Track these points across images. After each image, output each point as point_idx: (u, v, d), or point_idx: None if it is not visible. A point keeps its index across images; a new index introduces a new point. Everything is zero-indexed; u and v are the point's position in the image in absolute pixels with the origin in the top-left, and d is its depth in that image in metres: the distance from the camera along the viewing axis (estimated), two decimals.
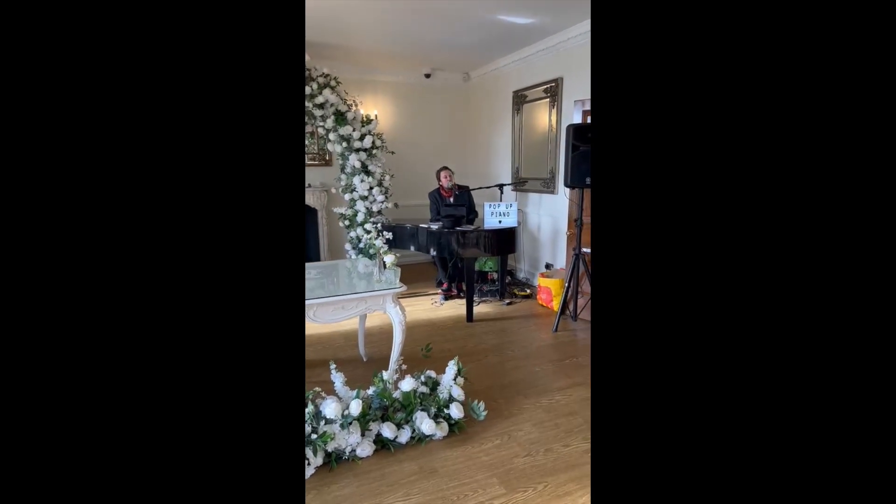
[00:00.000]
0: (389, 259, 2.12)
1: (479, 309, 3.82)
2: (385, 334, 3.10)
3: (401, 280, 2.20)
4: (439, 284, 4.39)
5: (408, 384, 2.01)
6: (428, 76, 5.23)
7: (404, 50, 4.45)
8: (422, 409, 2.00)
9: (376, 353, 2.94)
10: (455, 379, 2.17)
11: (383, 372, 2.10)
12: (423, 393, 2.10)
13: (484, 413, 2.11)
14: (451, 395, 2.10)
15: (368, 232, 4.26)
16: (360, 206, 4.27)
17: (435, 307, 3.91)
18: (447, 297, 4.12)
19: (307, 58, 3.83)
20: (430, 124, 5.43)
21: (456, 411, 2.03)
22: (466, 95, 5.56)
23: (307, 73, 3.86)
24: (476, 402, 2.14)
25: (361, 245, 4.35)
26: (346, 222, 4.38)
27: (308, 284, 2.28)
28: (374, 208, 4.32)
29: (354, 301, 2.06)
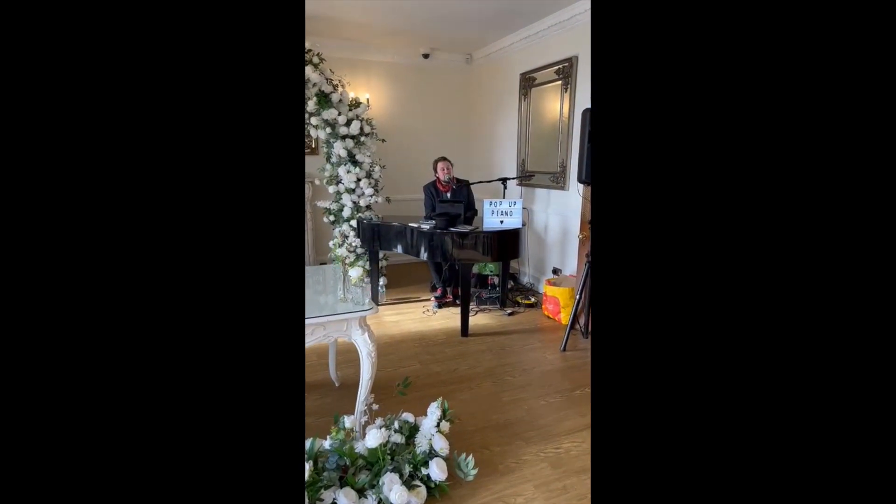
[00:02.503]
0: (355, 273, 1.66)
1: (477, 320, 3.36)
2: None
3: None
4: (433, 289, 3.93)
5: (375, 437, 1.56)
6: (426, 57, 4.72)
7: (400, 26, 3.95)
8: (392, 470, 1.55)
9: (352, 375, 2.49)
10: (438, 424, 1.72)
11: (345, 418, 1.64)
12: (396, 444, 1.64)
13: (473, 472, 1.65)
14: (431, 448, 1.65)
15: (355, 229, 3.82)
16: (347, 199, 3.81)
17: (426, 316, 3.45)
18: (441, 304, 3.66)
19: None
20: (427, 110, 4.94)
21: (437, 471, 1.58)
22: (468, 78, 5.05)
23: None
24: (463, 456, 1.68)
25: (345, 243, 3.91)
26: (332, 217, 3.92)
27: None
28: (362, 203, 3.86)
29: (309, 327, 1.60)
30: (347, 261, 1.69)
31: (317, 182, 4.07)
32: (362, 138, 3.79)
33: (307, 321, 1.59)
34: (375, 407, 1.77)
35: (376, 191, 3.87)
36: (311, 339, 1.63)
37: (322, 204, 3.93)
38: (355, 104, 3.76)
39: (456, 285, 3.76)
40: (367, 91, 4.56)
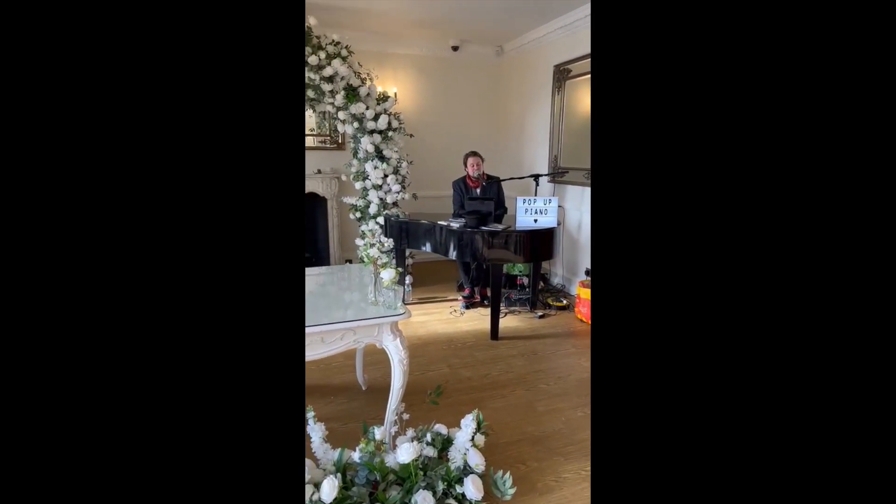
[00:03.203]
0: (388, 275, 1.56)
1: (506, 322, 3.23)
2: None
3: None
4: (460, 288, 3.82)
5: (407, 451, 1.46)
6: (455, 49, 4.59)
7: (429, 17, 3.83)
8: (425, 487, 1.45)
9: (379, 379, 2.40)
10: (473, 438, 1.61)
11: (374, 429, 1.55)
12: (428, 458, 1.54)
13: (511, 490, 1.54)
14: (466, 464, 1.54)
15: (382, 226, 3.73)
16: (373, 196, 3.73)
17: (454, 317, 3.35)
18: (469, 304, 3.55)
19: (314, 22, 3.28)
20: (455, 104, 4.81)
21: (473, 489, 1.47)
22: (499, 71, 4.90)
23: (316, 40, 3.31)
24: (500, 473, 1.57)
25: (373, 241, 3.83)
26: (358, 214, 3.86)
27: None
28: (389, 199, 3.78)
29: (339, 332, 1.51)
30: (379, 262, 1.59)
31: (343, 178, 4.01)
32: (390, 133, 3.70)
33: (337, 326, 1.50)
34: (406, 416, 1.67)
35: (403, 187, 3.78)
36: (341, 345, 1.54)
37: (348, 200, 3.87)
38: (383, 98, 3.67)
39: (484, 285, 3.64)
40: (394, 85, 4.47)
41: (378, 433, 1.54)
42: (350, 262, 4.57)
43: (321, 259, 4.60)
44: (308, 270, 2.63)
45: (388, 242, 1.64)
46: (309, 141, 4.42)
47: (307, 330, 1.47)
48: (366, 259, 1.61)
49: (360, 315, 1.56)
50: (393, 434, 1.65)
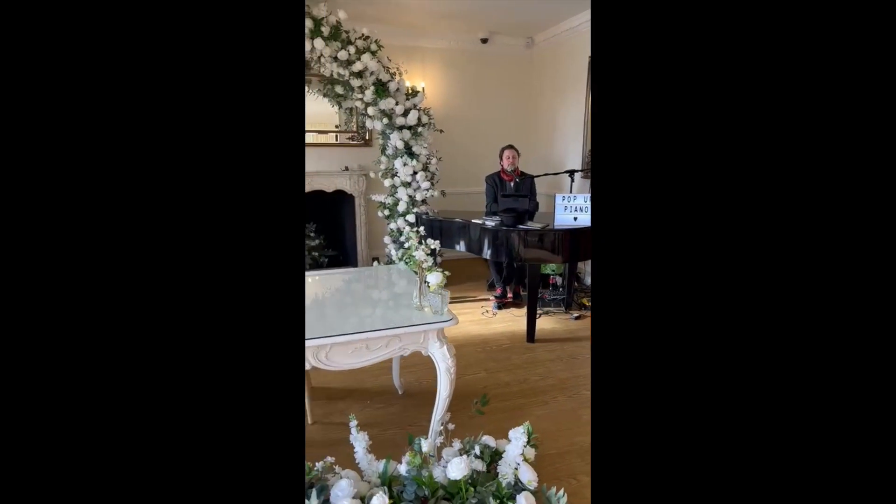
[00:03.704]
0: (435, 279, 1.48)
1: (542, 323, 3.12)
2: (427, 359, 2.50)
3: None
4: (491, 287, 3.73)
5: (458, 466, 1.38)
6: (485, 41, 4.47)
7: (458, 9, 3.73)
8: None
9: (415, 383, 2.34)
10: (523, 450, 1.52)
11: (421, 440, 1.48)
12: (476, 472, 1.46)
13: None
14: (517, 480, 1.45)
15: (411, 224, 3.67)
16: (402, 193, 3.66)
17: (487, 318, 3.26)
18: (501, 304, 3.45)
19: (343, 16, 3.21)
20: (484, 98, 4.69)
21: None
22: (529, 63, 4.76)
23: (345, 35, 3.25)
24: (553, 489, 1.48)
25: (402, 238, 3.77)
26: (386, 212, 3.80)
27: (322, 309, 1.69)
28: (418, 196, 3.70)
29: (384, 339, 1.44)
30: (425, 265, 1.51)
31: (371, 175, 3.95)
32: (419, 129, 3.62)
33: (382, 333, 1.43)
34: (451, 427, 1.59)
35: (432, 184, 3.70)
36: (386, 353, 1.47)
37: (377, 198, 3.81)
38: (412, 93, 3.59)
39: (516, 282, 3.54)
40: (422, 79, 4.38)
41: (425, 445, 1.46)
42: (377, 260, 4.52)
43: (348, 257, 4.57)
44: (338, 271, 2.57)
45: (435, 244, 1.56)
46: (336, 138, 4.38)
47: (352, 337, 1.40)
48: (408, 261, 1.53)
49: (405, 321, 1.48)
50: (438, 445, 1.57)
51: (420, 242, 1.54)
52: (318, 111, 4.23)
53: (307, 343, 1.37)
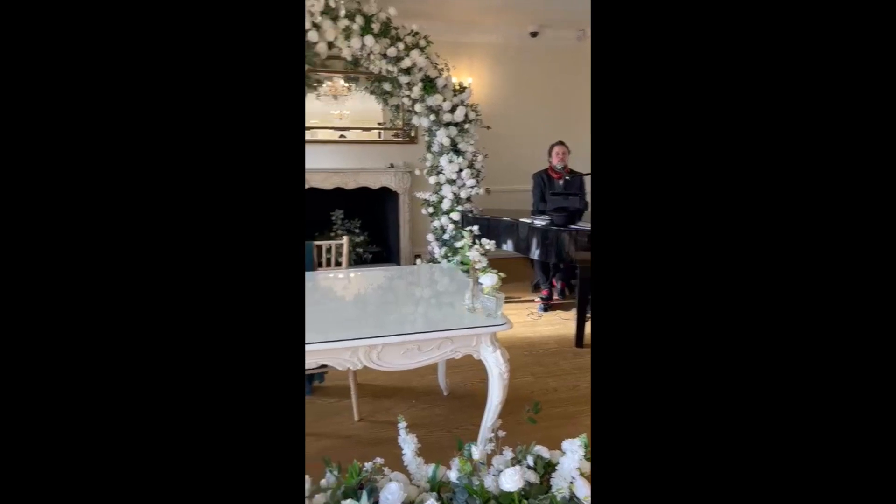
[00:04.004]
0: (489, 280, 1.42)
1: (589, 326, 3.00)
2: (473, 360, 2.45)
3: None
4: (536, 288, 3.63)
5: (512, 478, 1.32)
6: (534, 35, 4.35)
7: (506, 2, 3.64)
8: None
9: (460, 384, 2.30)
10: (580, 464, 1.44)
11: (472, 446, 1.43)
12: (529, 484, 1.40)
13: None
14: (573, 495, 1.37)
15: (455, 222, 3.62)
16: (447, 190, 3.63)
17: (532, 320, 3.17)
18: (547, 306, 3.35)
19: (393, 13, 3.20)
20: (533, 94, 4.57)
21: None
22: (580, 57, 4.58)
23: (394, 31, 3.24)
24: None
25: (446, 237, 3.73)
26: (430, 209, 3.77)
27: (369, 307, 1.67)
28: (463, 194, 3.65)
29: (436, 341, 1.40)
30: (478, 265, 1.45)
31: (417, 172, 3.94)
32: (466, 125, 3.56)
33: (434, 335, 1.39)
34: (502, 434, 1.54)
35: (477, 181, 3.64)
36: (437, 355, 1.43)
37: (421, 195, 3.80)
38: (460, 89, 3.54)
39: (563, 280, 3.43)
40: (469, 75, 4.32)
41: (475, 452, 1.41)
42: (419, 257, 4.51)
43: (391, 254, 4.59)
44: (382, 269, 2.56)
45: (490, 244, 1.51)
46: (380, 135, 4.40)
47: (404, 338, 1.37)
48: (462, 261, 1.48)
49: (457, 323, 1.44)
50: (489, 452, 1.52)
51: (473, 242, 1.49)
52: (363, 108, 4.27)
53: (359, 342, 1.35)
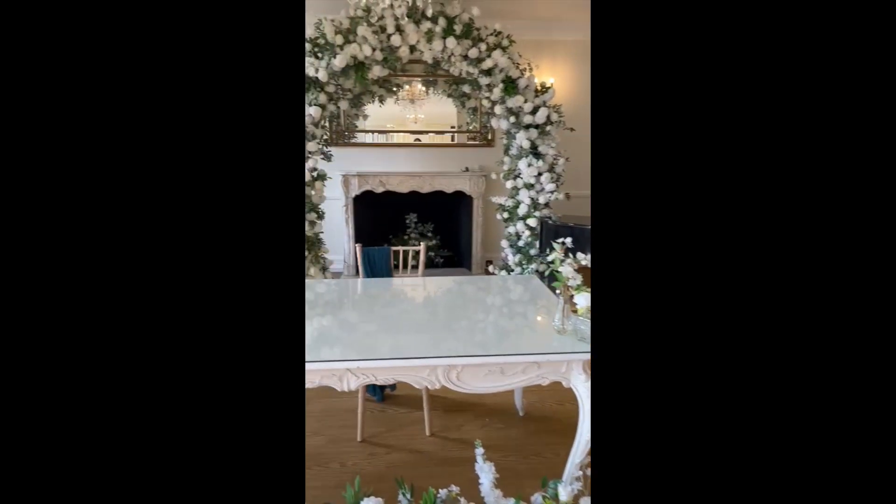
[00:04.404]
0: (584, 301, 1.26)
1: None
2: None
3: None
4: None
5: None
6: None
7: None
8: None
9: (537, 405, 2.14)
10: None
11: (557, 485, 1.28)
12: None
13: None
14: None
15: (532, 228, 3.46)
16: (524, 195, 3.47)
17: None
18: None
19: (477, 13, 3.12)
20: None
21: None
22: None
23: (476, 32, 3.15)
24: None
25: (520, 243, 3.58)
26: (506, 214, 3.64)
27: (444, 321, 1.58)
28: (541, 199, 3.47)
29: (522, 365, 1.27)
30: (572, 283, 1.30)
31: (493, 176, 3.82)
32: (547, 127, 3.38)
33: (520, 359, 1.26)
34: (588, 471, 1.37)
35: (557, 186, 3.44)
36: (522, 380, 1.30)
37: (497, 199, 3.67)
38: (542, 90, 3.37)
39: None
40: (551, 75, 4.12)
41: (562, 492, 1.26)
42: (490, 263, 4.40)
43: (462, 259, 4.52)
44: (456, 278, 2.47)
45: (585, 259, 1.35)
46: (453, 138, 4.34)
47: (486, 360, 1.26)
48: (558, 278, 1.33)
49: (545, 346, 1.30)
50: (576, 493, 1.36)
51: (566, 255, 1.34)
52: (438, 112, 4.24)
53: (438, 361, 1.26)
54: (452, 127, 4.32)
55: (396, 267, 2.31)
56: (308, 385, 1.28)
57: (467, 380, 1.28)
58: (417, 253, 2.25)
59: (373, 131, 4.24)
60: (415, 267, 2.29)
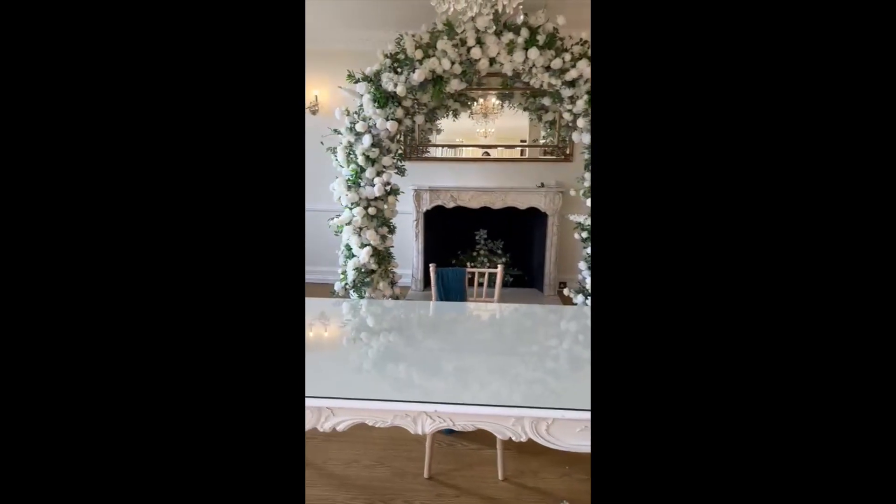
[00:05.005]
0: None
1: None
2: None
3: None
4: None
5: None
6: None
7: None
8: None
9: None
10: None
11: None
12: None
13: None
14: None
15: None
16: None
17: None
18: None
19: (562, 22, 2.95)
20: None
21: None
22: None
23: (559, 42, 2.99)
24: None
25: None
26: (585, 234, 3.39)
27: (530, 363, 1.40)
28: None
29: None
30: None
31: (571, 193, 3.60)
32: None
33: None
34: None
35: None
36: None
37: (575, 218, 3.44)
38: None
39: None
40: None
41: None
42: (564, 284, 4.14)
43: (533, 279, 4.30)
44: (538, 307, 2.28)
45: None
46: (524, 152, 4.16)
47: (580, 415, 1.08)
48: None
49: None
50: None
51: None
52: (508, 126, 4.10)
53: (525, 412, 1.10)
54: (522, 141, 4.15)
55: (471, 283, 2.18)
56: (380, 425, 1.17)
57: (559, 435, 1.11)
58: (494, 276, 2.11)
59: (443, 146, 4.19)
60: (491, 285, 2.14)
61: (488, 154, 4.18)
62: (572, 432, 1.11)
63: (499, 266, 2.14)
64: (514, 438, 1.13)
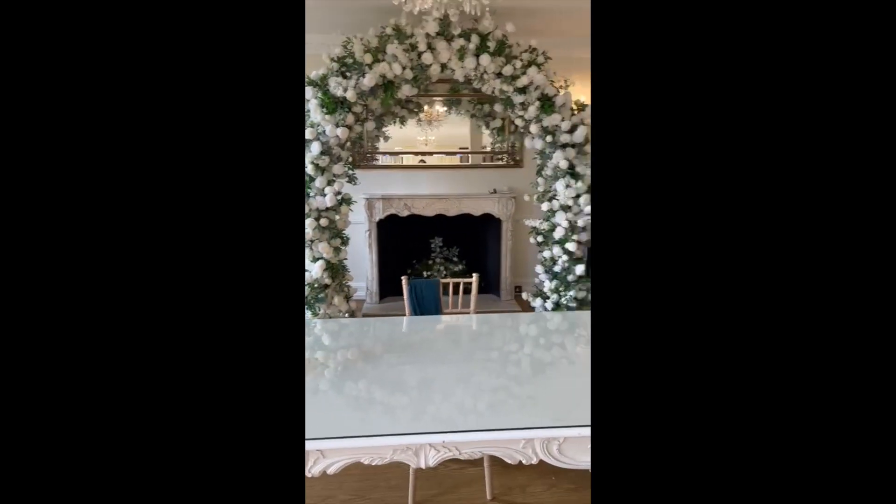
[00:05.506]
0: None
1: None
2: None
3: None
4: None
5: None
6: None
7: None
8: None
9: None
10: None
11: None
12: None
13: None
14: None
15: (570, 253, 3.25)
16: (561, 218, 3.27)
17: None
18: None
19: (511, 29, 2.98)
20: None
21: None
22: None
23: (508, 49, 3.01)
24: None
25: (556, 269, 3.36)
26: (540, 238, 3.43)
27: (532, 379, 1.35)
28: (580, 222, 3.27)
29: None
30: None
31: (525, 198, 3.63)
32: (586, 147, 3.21)
33: None
34: None
35: None
36: None
37: (531, 222, 3.47)
38: (580, 107, 3.20)
39: None
40: (583, 93, 3.97)
41: None
42: (521, 289, 4.18)
43: (490, 285, 4.29)
44: (520, 315, 2.24)
45: None
46: (477, 159, 4.17)
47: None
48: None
49: None
50: None
51: None
52: (448, 133, 4.09)
53: (535, 433, 1.04)
54: (463, 148, 4.15)
55: (445, 292, 2.09)
56: (378, 462, 1.05)
57: (571, 454, 1.05)
58: (469, 285, 2.04)
59: (383, 153, 4.09)
60: (466, 293, 2.06)
61: (424, 161, 4.12)
62: (585, 449, 1.06)
63: (474, 275, 2.07)
64: (524, 462, 1.06)
